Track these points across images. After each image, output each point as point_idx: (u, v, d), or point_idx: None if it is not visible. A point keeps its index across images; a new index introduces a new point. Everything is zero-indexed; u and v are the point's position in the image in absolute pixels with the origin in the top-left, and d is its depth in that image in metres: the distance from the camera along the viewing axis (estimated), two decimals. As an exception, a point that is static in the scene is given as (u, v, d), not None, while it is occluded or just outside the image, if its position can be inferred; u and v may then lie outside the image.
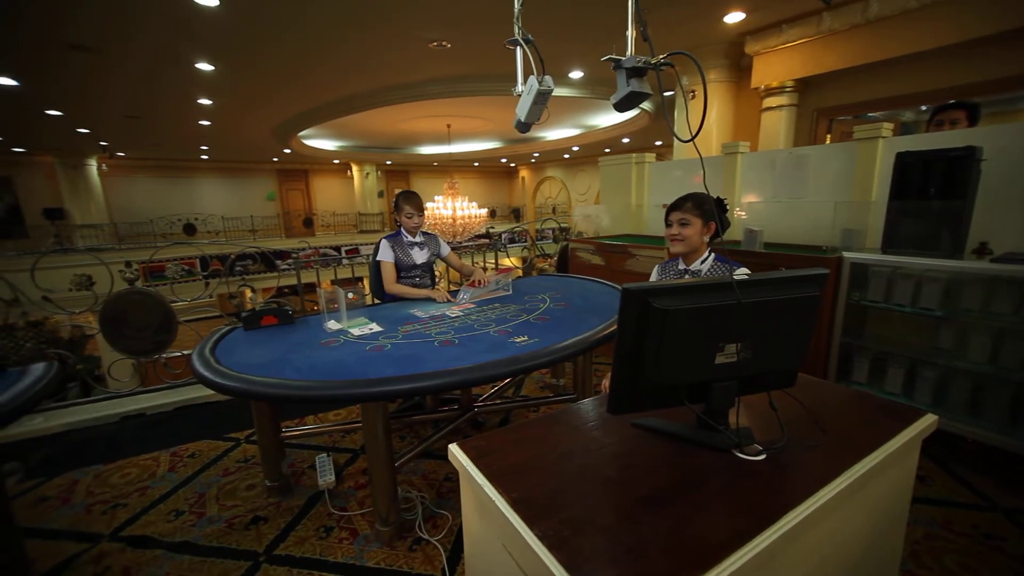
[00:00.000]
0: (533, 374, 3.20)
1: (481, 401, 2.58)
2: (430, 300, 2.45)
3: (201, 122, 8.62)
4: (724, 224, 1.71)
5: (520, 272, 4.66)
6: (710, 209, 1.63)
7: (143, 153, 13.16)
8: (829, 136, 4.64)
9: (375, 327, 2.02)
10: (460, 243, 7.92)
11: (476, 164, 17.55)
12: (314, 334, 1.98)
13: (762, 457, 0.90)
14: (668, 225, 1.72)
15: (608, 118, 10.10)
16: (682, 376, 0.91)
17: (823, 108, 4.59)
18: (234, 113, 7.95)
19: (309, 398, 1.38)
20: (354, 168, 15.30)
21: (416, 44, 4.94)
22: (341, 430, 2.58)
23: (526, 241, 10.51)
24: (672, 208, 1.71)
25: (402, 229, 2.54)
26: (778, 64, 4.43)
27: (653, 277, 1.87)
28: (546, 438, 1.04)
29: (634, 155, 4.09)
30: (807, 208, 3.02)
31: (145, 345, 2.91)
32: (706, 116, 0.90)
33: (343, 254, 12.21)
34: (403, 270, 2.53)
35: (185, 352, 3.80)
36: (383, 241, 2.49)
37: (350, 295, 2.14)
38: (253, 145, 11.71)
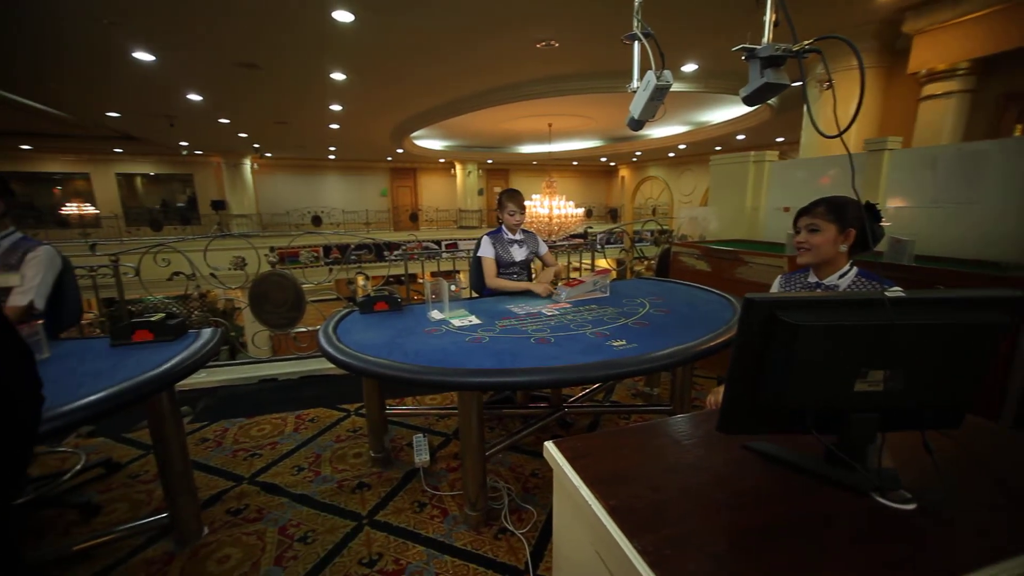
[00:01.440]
0: (626, 380, 3.10)
1: (571, 402, 2.56)
2: (528, 297, 2.49)
3: (331, 126, 9.71)
4: (875, 235, 1.46)
5: (615, 274, 4.53)
6: (850, 215, 1.42)
7: (285, 153, 15.22)
8: (1021, 127, 3.77)
9: (474, 319, 2.10)
10: (554, 242, 7.93)
11: (575, 163, 17.43)
12: (419, 322, 2.12)
13: (912, 507, 0.77)
14: (795, 232, 1.54)
15: (722, 113, 9.38)
16: (810, 401, 0.81)
17: (1014, 93, 3.74)
18: (359, 117, 8.82)
19: (414, 381, 1.48)
20: (457, 167, 16.10)
21: (524, 45, 5.03)
22: (436, 414, 2.74)
23: (623, 243, 10.18)
24: (801, 213, 1.52)
25: (503, 226, 2.62)
26: (950, 42, 3.71)
27: (774, 289, 1.69)
28: (645, 448, 1.00)
29: (752, 153, 3.74)
30: (977, 215, 2.51)
31: (280, 320, 3.37)
32: (861, 106, 0.78)
33: (442, 248, 12.94)
34: (502, 267, 2.60)
35: (310, 328, 4.32)
36: (485, 238, 2.59)
37: (453, 287, 2.26)
38: (372, 145, 12.90)
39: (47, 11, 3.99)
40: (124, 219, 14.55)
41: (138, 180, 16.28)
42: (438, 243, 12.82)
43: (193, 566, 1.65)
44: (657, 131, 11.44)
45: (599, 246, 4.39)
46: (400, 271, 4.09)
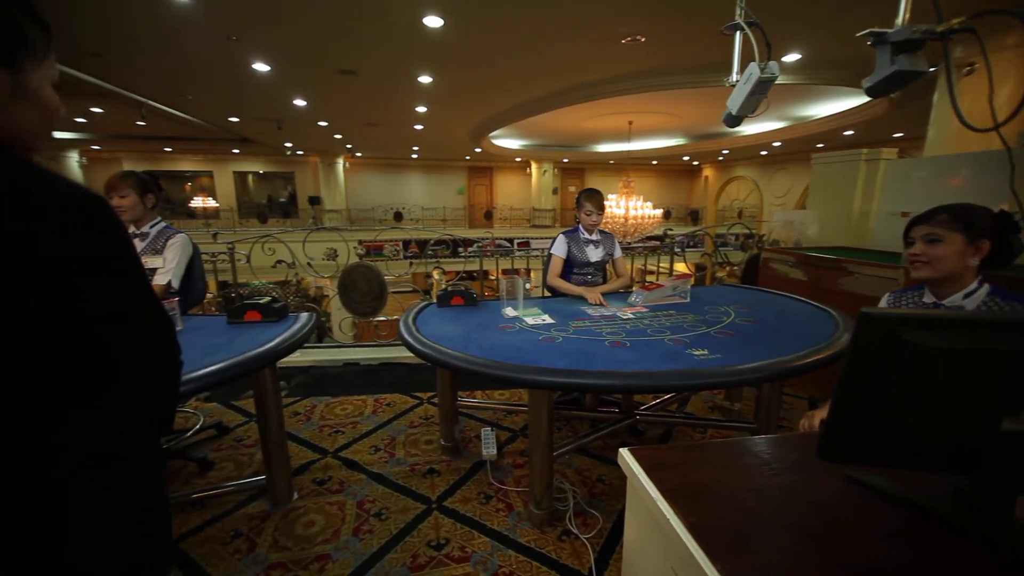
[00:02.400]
0: (703, 392, 2.93)
1: (643, 409, 2.48)
2: (606, 296, 2.44)
3: (416, 127, 10.21)
4: (1013, 248, 1.24)
5: (694, 280, 4.29)
6: (982, 224, 1.21)
7: (373, 153, 16.27)
8: None
9: (547, 319, 2.10)
10: (628, 243, 7.69)
11: (654, 162, 16.77)
12: (493, 318, 2.17)
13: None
14: (908, 243, 1.33)
15: (826, 107, 8.49)
16: (937, 436, 0.71)
17: None
18: (441, 118, 9.18)
19: (488, 375, 1.51)
20: (533, 166, 16.19)
21: (609, 41, 4.92)
22: (505, 409, 2.78)
23: (704, 246, 9.62)
24: (916, 221, 1.31)
25: (580, 226, 2.59)
26: None
27: (882, 306, 1.50)
28: (729, 466, 0.93)
29: (864, 151, 3.34)
30: None
31: (365, 308, 3.61)
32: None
33: (515, 246, 13.10)
34: (576, 266, 2.57)
35: (390, 318, 4.59)
36: (560, 236, 2.58)
37: (528, 285, 2.28)
38: (451, 145, 13.38)
39: (187, 32, 4.61)
40: (237, 212, 16.47)
41: (250, 177, 18.34)
42: (510, 241, 13.00)
43: (284, 527, 1.83)
44: (749, 128, 10.65)
45: (678, 249, 4.18)
46: (474, 267, 4.20)
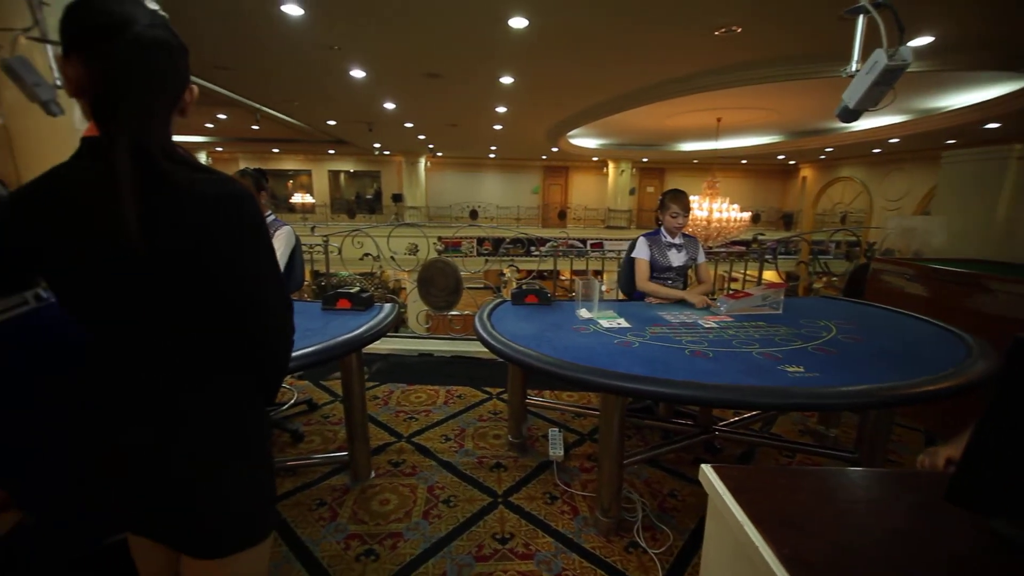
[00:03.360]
0: (792, 413, 2.68)
1: (722, 425, 2.32)
2: (682, 306, 2.32)
3: (495, 127, 10.42)
4: None
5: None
6: None
7: (453, 153, 16.88)
8: None
9: (623, 322, 2.04)
10: (710, 248, 7.24)
11: (744, 161, 15.62)
12: (567, 318, 2.15)
13: None
14: None
15: (963, 96, 7.33)
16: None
17: None
18: (520, 118, 9.27)
19: (561, 376, 1.50)
20: (610, 165, 15.81)
21: (700, 33, 4.66)
22: (573, 411, 2.75)
23: (798, 254, 8.79)
24: None
25: (662, 228, 2.48)
26: None
27: None
28: (829, 498, 0.84)
29: (1017, 147, 2.83)
30: None
31: (441, 302, 3.76)
32: None
33: (587, 247, 12.90)
34: (656, 271, 2.47)
35: (464, 312, 4.74)
36: (641, 239, 2.49)
37: (603, 287, 2.23)
38: (528, 144, 13.47)
39: (298, 43, 5.09)
40: (330, 207, 17.93)
41: (342, 176, 19.89)
42: (583, 242, 12.82)
43: (362, 502, 1.96)
44: (861, 122, 9.53)
45: (768, 256, 3.85)
46: (548, 267, 4.20)
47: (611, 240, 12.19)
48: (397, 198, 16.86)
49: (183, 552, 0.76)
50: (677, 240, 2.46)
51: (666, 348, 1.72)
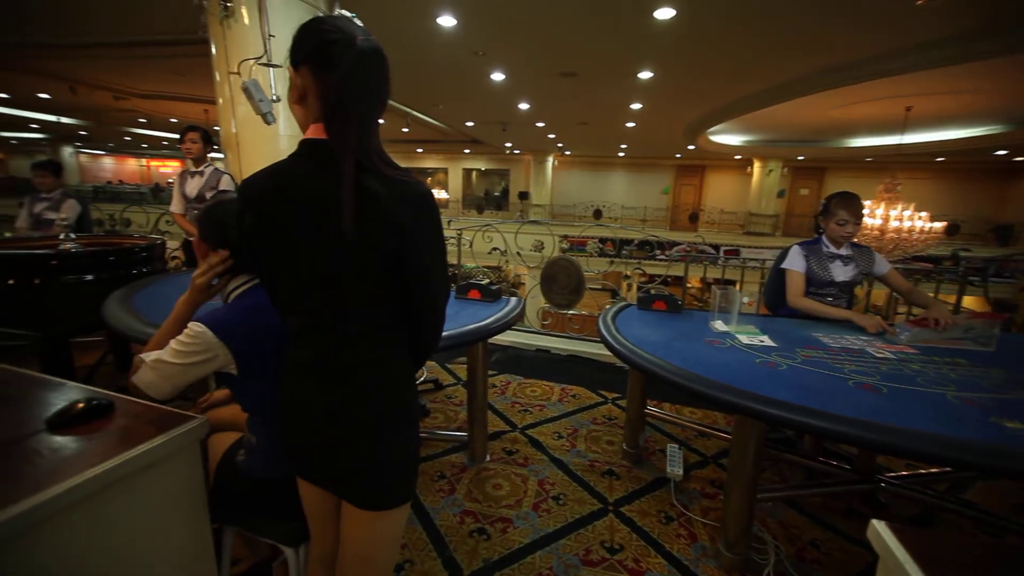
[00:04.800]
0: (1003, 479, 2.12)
1: (890, 476, 1.93)
2: (845, 327, 1.99)
3: (627, 124, 10.09)
4: None
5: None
6: None
7: (582, 151, 16.82)
8: None
9: (767, 340, 1.82)
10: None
11: (939, 159, 12.72)
12: (699, 329, 1.99)
13: None
14: None
15: None
16: None
17: None
18: (656, 114, 8.84)
19: (691, 390, 1.39)
20: (755, 164, 14.22)
21: (895, 4, 3.90)
22: (696, 429, 2.55)
23: (1016, 277, 6.89)
24: None
25: (823, 238, 2.14)
26: None
27: None
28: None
29: None
30: None
31: (562, 300, 3.78)
32: None
33: (720, 253, 11.79)
34: (813, 285, 2.14)
35: (582, 312, 4.70)
36: (796, 248, 2.18)
37: (746, 300, 2.01)
38: (662, 143, 12.78)
39: (446, 51, 5.53)
40: (461, 203, 19.26)
41: (473, 174, 21.21)
42: (716, 248, 11.75)
43: (477, 483, 2.07)
44: None
45: (975, 278, 3.07)
46: (676, 272, 3.95)
47: (750, 248, 10.96)
48: (523, 195, 17.41)
49: (349, 502, 0.89)
50: (843, 251, 2.10)
51: (823, 375, 1.49)
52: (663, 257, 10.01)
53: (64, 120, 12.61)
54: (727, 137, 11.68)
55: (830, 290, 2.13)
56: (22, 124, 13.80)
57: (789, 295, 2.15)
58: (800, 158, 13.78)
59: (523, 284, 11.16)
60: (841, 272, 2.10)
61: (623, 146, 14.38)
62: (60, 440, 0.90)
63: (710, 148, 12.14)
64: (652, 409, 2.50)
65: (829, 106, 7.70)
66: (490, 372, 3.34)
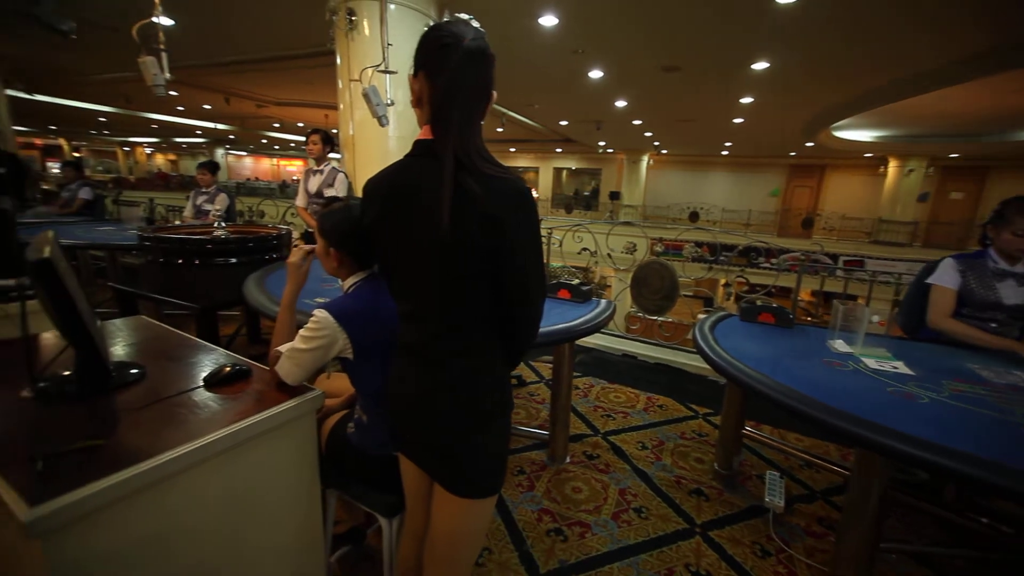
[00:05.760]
0: None
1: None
2: (1011, 360, 1.64)
3: (735, 120, 9.34)
4: None
5: None
6: None
7: (680, 150, 15.93)
8: None
9: (901, 367, 1.57)
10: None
11: None
12: (814, 347, 1.78)
13: None
14: None
15: None
16: None
17: None
18: (770, 108, 8.06)
19: (804, 414, 1.24)
20: (891, 164, 12.36)
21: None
22: (802, 458, 2.29)
23: None
24: None
25: (991, 251, 1.79)
26: None
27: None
28: None
29: None
30: None
31: (652, 306, 3.62)
32: None
33: (839, 264, 10.42)
34: (971, 307, 1.80)
35: (672, 319, 4.46)
36: (949, 261, 1.85)
37: (875, 318, 1.76)
38: (773, 140, 11.64)
39: (545, 50, 5.56)
40: (550, 202, 19.29)
41: (564, 173, 21.14)
42: (834, 257, 10.42)
43: (556, 482, 2.06)
44: None
45: None
46: (784, 283, 3.57)
47: (879, 259, 9.55)
48: (614, 195, 16.96)
49: (440, 484, 0.94)
50: (1020, 268, 1.73)
51: (981, 415, 1.24)
52: (768, 265, 9.13)
53: (219, 126, 14.89)
54: (856, 132, 10.30)
55: (995, 314, 1.77)
56: (190, 131, 16.59)
57: (932, 314, 1.83)
58: (953, 156, 11.70)
59: (609, 286, 10.88)
60: (1015, 294, 1.73)
61: (727, 144, 13.34)
62: (212, 397, 1.06)
63: (834, 145, 10.80)
64: (750, 430, 2.29)
65: (1005, 91, 6.39)
66: (575, 373, 3.30)
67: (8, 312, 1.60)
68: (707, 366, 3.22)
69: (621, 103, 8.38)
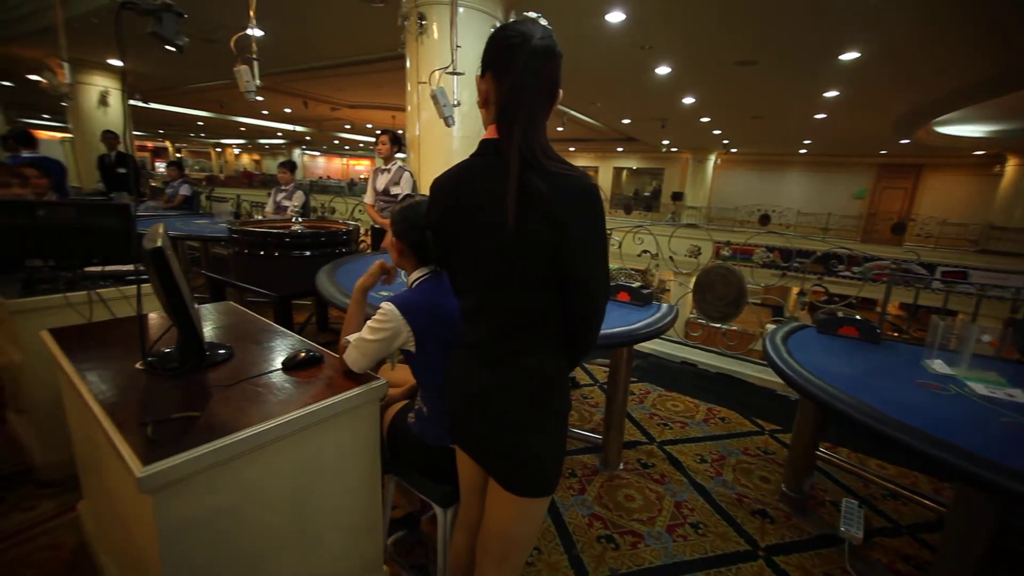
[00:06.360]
0: None
1: None
2: None
3: (816, 116, 8.64)
4: None
5: None
6: None
7: (751, 149, 15.01)
8: None
9: (1019, 395, 1.38)
10: None
11: None
12: (906, 368, 1.61)
13: None
14: None
15: None
16: None
17: None
18: (859, 103, 7.37)
19: (893, 439, 1.12)
20: (1010, 162, 10.87)
21: None
22: (886, 488, 2.08)
23: None
24: None
25: None
26: None
27: None
28: None
29: None
30: None
31: (715, 312, 3.44)
32: None
33: (936, 275, 9.31)
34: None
35: (736, 328, 4.21)
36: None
37: (985, 337, 1.55)
38: (860, 137, 10.64)
39: (608, 48, 5.44)
40: (608, 203, 18.91)
41: (624, 173, 20.61)
42: (930, 267, 9.34)
43: (608, 489, 2.02)
44: None
45: None
46: (869, 294, 3.24)
47: (987, 271, 8.45)
48: (677, 196, 16.30)
49: (495, 479, 0.95)
50: None
51: (1122, 458, 1.06)
52: (849, 274, 8.37)
53: (297, 128, 16.04)
54: (964, 127, 9.16)
55: None
56: (272, 133, 18.03)
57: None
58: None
59: (668, 291, 10.47)
60: None
61: (806, 142, 12.38)
62: (288, 379, 1.14)
63: (935, 142, 9.69)
64: (824, 452, 2.12)
65: None
66: (630, 379, 3.22)
67: (125, 294, 1.82)
68: (776, 379, 3.03)
69: (688, 100, 8.04)
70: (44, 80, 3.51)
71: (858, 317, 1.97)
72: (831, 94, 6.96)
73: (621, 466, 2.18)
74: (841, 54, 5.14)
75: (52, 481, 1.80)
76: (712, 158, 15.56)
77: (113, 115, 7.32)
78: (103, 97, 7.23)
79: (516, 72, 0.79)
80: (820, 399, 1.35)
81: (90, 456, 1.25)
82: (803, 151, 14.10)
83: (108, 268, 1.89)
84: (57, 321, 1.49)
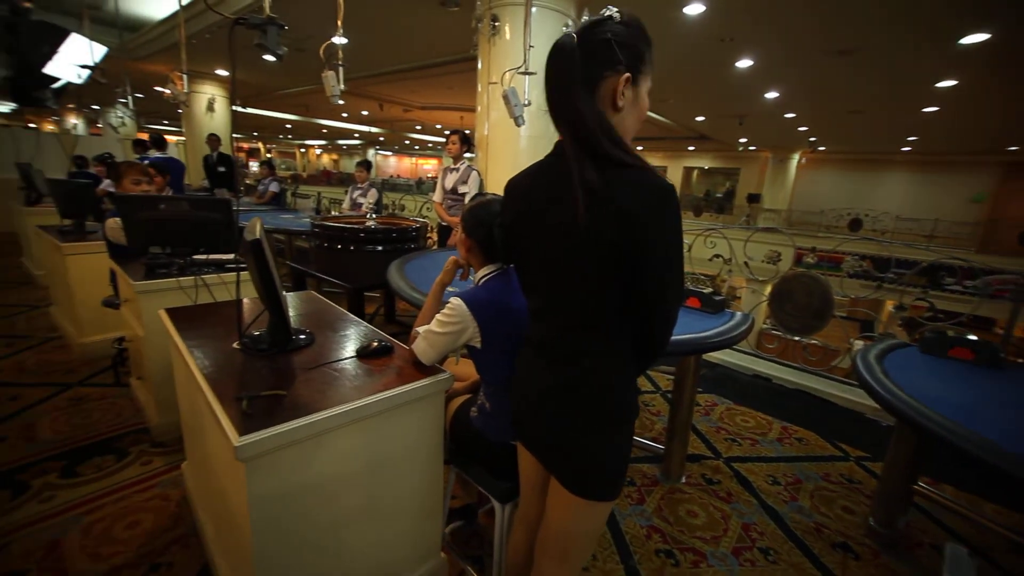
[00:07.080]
0: None
1: None
2: None
3: (925, 109, 7.70)
4: None
5: None
6: None
7: (843, 147, 13.69)
8: None
9: None
10: None
11: None
12: (1036, 398, 1.38)
13: None
14: None
15: None
16: None
17: None
18: (981, 92, 6.46)
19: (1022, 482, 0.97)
20: None
21: None
22: (1006, 537, 1.81)
23: None
24: None
25: None
26: None
27: None
28: None
29: None
30: None
31: (795, 324, 3.18)
32: None
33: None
34: None
35: (817, 342, 3.86)
36: None
37: None
38: (979, 133, 9.33)
39: (685, 41, 5.19)
40: (678, 204, 18.11)
41: (695, 173, 19.63)
42: (1066, 284, 7.97)
43: (669, 502, 1.93)
44: None
45: None
46: (986, 312, 2.83)
47: None
48: (753, 198, 15.26)
49: (556, 479, 0.94)
50: None
51: None
52: (960, 288, 7.37)
53: (373, 129, 16.96)
54: (1119, 120, 7.74)
55: None
56: (350, 134, 19.23)
57: None
58: None
59: (739, 298, 9.82)
60: None
61: (910, 139, 11.07)
62: (362, 366, 1.21)
63: (1078, 138, 8.26)
64: (924, 487, 1.88)
65: None
66: (697, 389, 3.06)
67: (224, 280, 2.02)
68: (866, 401, 2.75)
69: (772, 94, 7.49)
70: (167, 91, 4.01)
71: (973, 338, 1.73)
72: (946, 84, 6.16)
73: (683, 479, 2.08)
74: (962, 37, 4.53)
75: (163, 442, 2.06)
76: (795, 157, 14.39)
77: (217, 119, 8.20)
78: (210, 103, 8.14)
79: (547, 74, 0.82)
80: (925, 427, 1.20)
81: (194, 423, 1.41)
82: (906, 148, 12.62)
83: (212, 256, 2.11)
84: (170, 302, 1.69)
